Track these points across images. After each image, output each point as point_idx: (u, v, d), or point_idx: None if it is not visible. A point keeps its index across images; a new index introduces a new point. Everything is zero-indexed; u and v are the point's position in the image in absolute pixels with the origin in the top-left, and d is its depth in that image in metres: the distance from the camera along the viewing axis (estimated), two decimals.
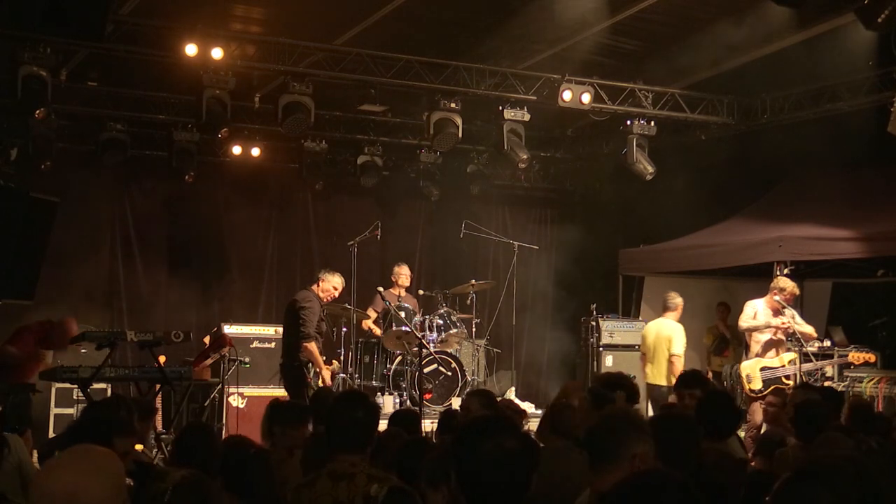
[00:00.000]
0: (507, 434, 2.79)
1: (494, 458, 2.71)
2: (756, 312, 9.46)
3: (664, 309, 10.19)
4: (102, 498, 2.35)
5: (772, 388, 9.08)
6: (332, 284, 9.40)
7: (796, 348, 9.41)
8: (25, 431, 7.11)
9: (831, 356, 10.00)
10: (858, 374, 9.67)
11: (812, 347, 9.59)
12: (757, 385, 9.24)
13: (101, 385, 9.69)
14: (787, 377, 9.16)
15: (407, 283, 11.59)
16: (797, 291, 9.46)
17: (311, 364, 9.07)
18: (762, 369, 9.26)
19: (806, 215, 10.67)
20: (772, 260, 10.27)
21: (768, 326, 9.34)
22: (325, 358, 9.43)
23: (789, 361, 9.24)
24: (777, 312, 9.38)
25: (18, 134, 11.11)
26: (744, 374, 9.39)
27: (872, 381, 9.52)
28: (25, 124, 10.82)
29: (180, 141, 11.76)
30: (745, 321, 9.54)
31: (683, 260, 11.74)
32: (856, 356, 9.42)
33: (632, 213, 12.89)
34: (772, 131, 11.48)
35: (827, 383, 9.22)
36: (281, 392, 10.67)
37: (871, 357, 9.54)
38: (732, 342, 11.60)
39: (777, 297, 9.33)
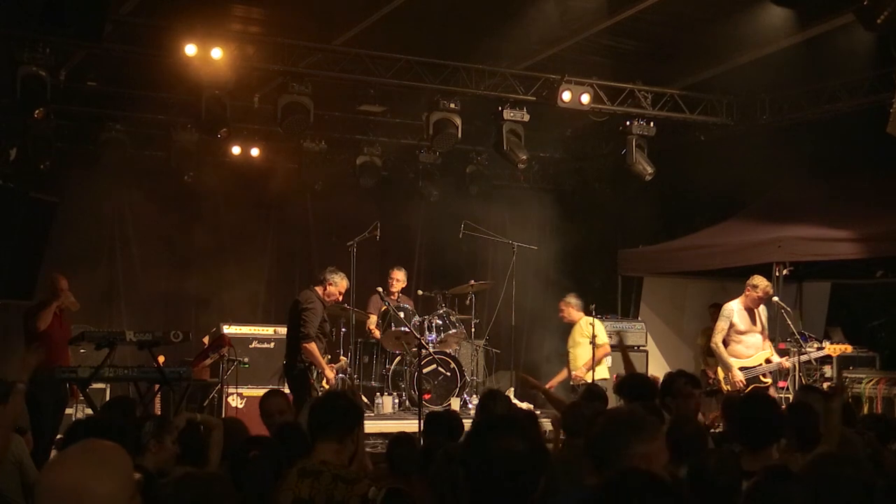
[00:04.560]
0: (517, 435, 2.78)
1: (502, 458, 2.70)
2: (730, 322, 9.43)
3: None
4: (110, 493, 2.28)
5: (751, 387, 9.14)
6: (337, 289, 9.33)
7: (795, 348, 9.47)
8: (26, 432, 7.11)
9: (829, 356, 10.04)
10: (857, 375, 9.68)
11: (811, 347, 9.63)
12: (742, 383, 9.30)
13: (100, 385, 9.69)
14: (765, 376, 9.25)
15: (398, 289, 11.52)
16: (770, 290, 9.46)
17: (313, 365, 9.05)
18: (741, 369, 9.32)
19: (805, 216, 10.67)
20: (771, 261, 10.26)
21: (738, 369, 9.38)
22: (328, 357, 9.42)
23: (765, 360, 9.33)
24: (752, 311, 9.42)
25: (17, 134, 11.11)
26: (721, 375, 9.48)
27: (871, 382, 9.53)
28: (24, 124, 10.81)
29: (180, 141, 11.76)
30: (715, 338, 9.52)
31: (682, 261, 11.74)
32: (833, 348, 9.54)
33: (631, 213, 12.89)
34: (771, 132, 11.49)
35: (826, 384, 9.24)
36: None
37: (848, 348, 9.64)
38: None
39: (753, 295, 9.40)
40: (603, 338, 10.49)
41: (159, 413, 8.95)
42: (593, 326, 10.38)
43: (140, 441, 4.67)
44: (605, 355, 10.49)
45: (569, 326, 10.78)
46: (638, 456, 3.06)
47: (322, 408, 4.18)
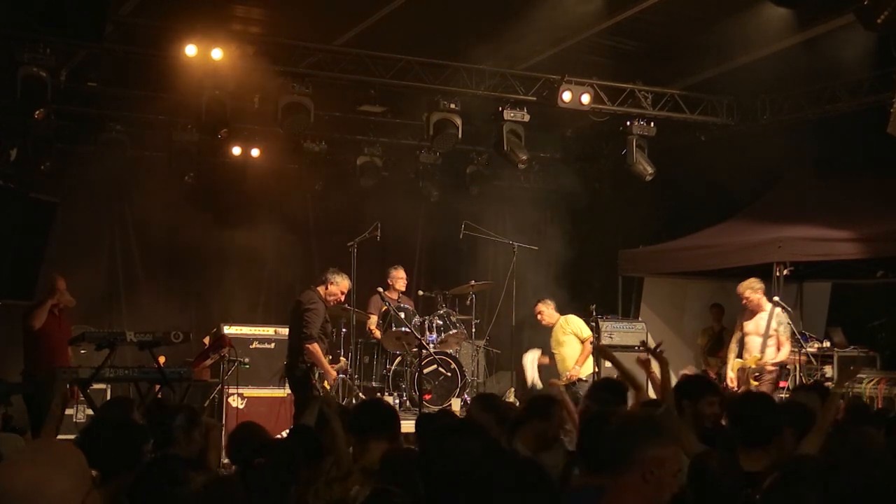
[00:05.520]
0: (469, 437, 2.81)
1: (454, 458, 2.74)
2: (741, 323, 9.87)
3: None
4: (64, 491, 2.30)
5: (742, 388, 9.36)
6: (339, 289, 9.32)
7: (796, 349, 9.53)
8: (26, 432, 7.12)
9: (829, 356, 10.09)
10: (858, 375, 9.66)
11: (811, 348, 9.68)
12: (731, 383, 9.67)
13: (101, 385, 9.70)
14: (757, 377, 9.45)
15: (402, 288, 11.54)
16: (746, 294, 9.71)
17: (315, 366, 9.05)
18: (740, 369, 9.61)
19: (805, 216, 10.67)
20: (771, 261, 10.27)
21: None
22: (329, 358, 9.42)
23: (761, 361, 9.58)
24: (752, 314, 9.65)
25: (17, 134, 11.10)
26: (728, 374, 9.81)
27: (872, 382, 9.53)
28: (24, 124, 10.81)
29: (180, 141, 11.74)
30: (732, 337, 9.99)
31: (683, 261, 11.74)
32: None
33: (631, 213, 12.89)
34: (771, 132, 11.48)
35: (828, 384, 9.26)
36: (280, 392, 10.69)
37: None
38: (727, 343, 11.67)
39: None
40: (586, 331, 10.68)
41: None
42: (571, 323, 10.73)
43: (171, 433, 4.77)
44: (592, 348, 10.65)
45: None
46: (650, 459, 3.05)
47: (372, 410, 4.49)
